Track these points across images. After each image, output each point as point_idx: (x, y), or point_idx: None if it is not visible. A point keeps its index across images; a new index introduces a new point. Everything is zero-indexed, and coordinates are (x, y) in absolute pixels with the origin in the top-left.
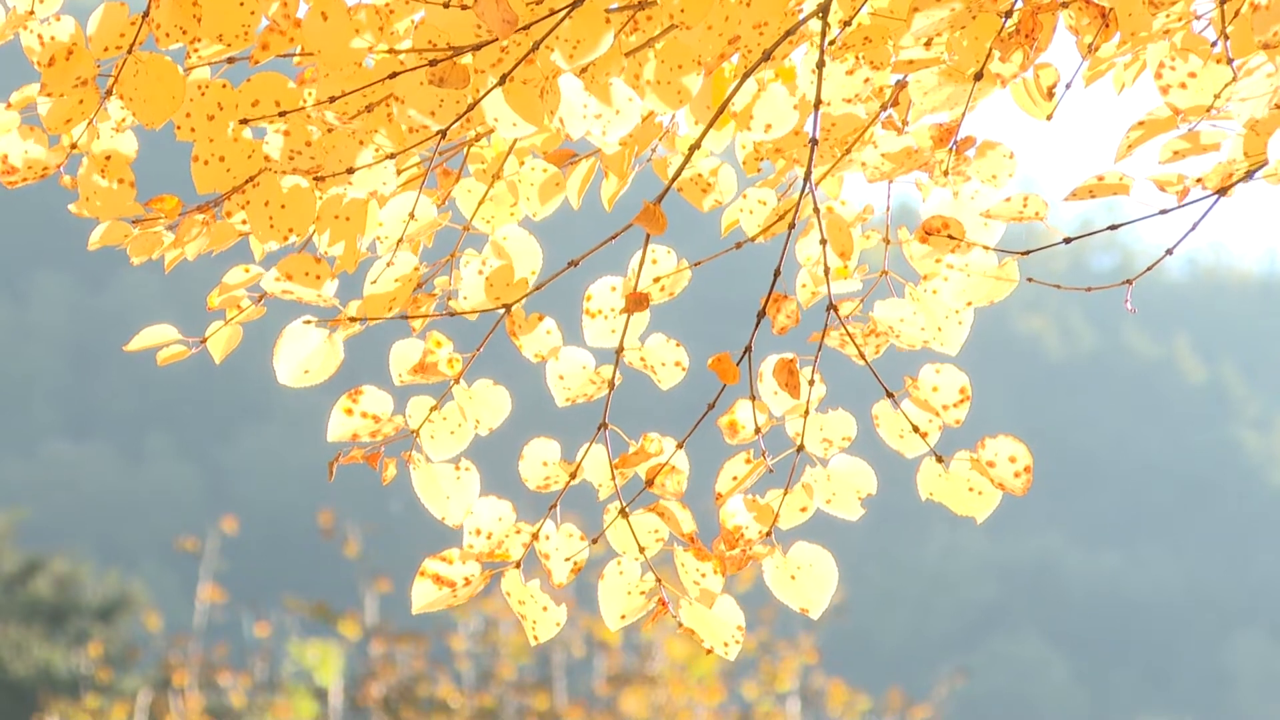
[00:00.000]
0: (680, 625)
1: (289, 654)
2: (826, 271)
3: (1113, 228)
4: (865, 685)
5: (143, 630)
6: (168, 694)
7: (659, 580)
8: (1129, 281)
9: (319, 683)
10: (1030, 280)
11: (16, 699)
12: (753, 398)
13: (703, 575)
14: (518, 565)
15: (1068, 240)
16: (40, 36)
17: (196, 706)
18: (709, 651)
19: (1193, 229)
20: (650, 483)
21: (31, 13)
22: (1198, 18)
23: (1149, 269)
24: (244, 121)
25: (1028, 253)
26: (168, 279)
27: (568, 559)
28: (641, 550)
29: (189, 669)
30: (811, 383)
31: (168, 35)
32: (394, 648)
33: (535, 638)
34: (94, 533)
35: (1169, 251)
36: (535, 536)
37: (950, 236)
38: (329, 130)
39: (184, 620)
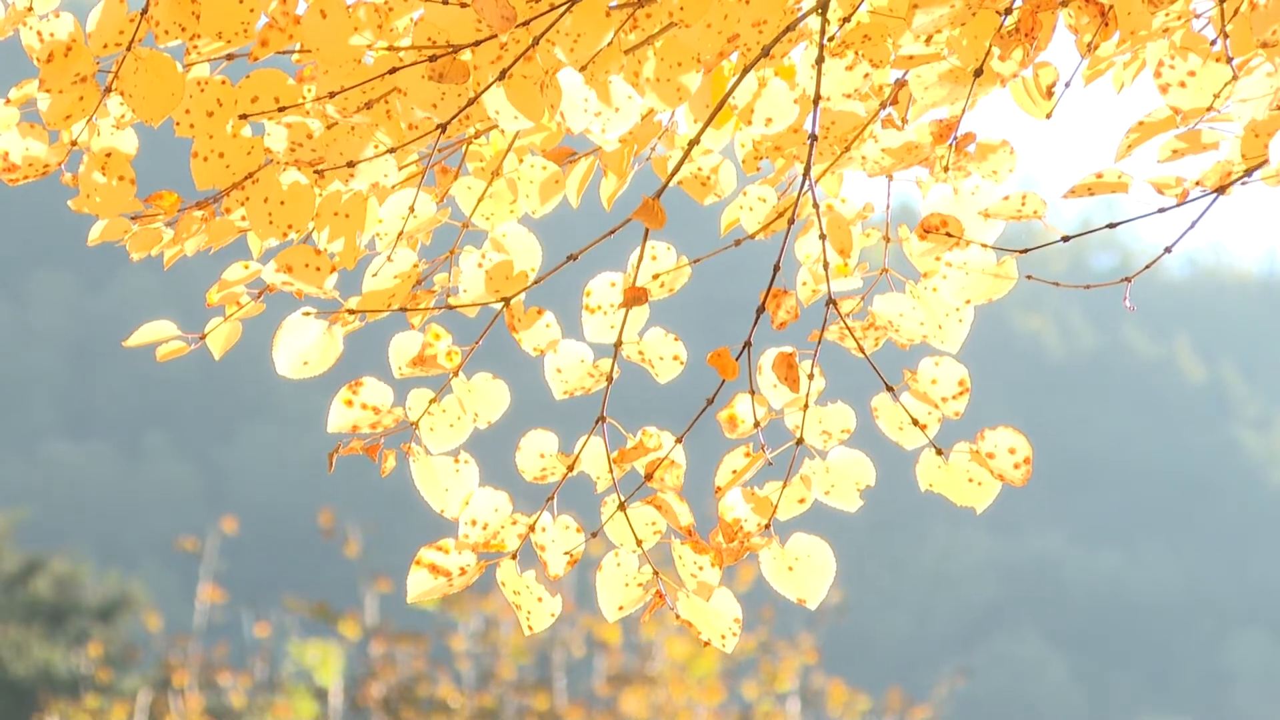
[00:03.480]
0: (677, 617)
1: (289, 654)
2: (826, 269)
3: (1111, 226)
4: (865, 685)
5: (143, 630)
6: (168, 694)
7: (656, 572)
8: (1127, 280)
9: (319, 683)
10: (1029, 278)
11: (16, 699)
12: (752, 391)
13: (700, 568)
14: (514, 556)
15: (1066, 239)
16: (39, 33)
17: (196, 706)
18: (706, 644)
19: (1191, 227)
20: (649, 477)
21: (30, 9)
22: (1197, 16)
23: (1147, 268)
24: (243, 117)
25: (1026, 251)
26: (168, 279)
27: (566, 551)
28: (639, 543)
29: (189, 669)
30: (811, 376)
31: (167, 32)
32: (394, 648)
33: (530, 628)
34: (94, 533)
35: (1167, 250)
36: (531, 528)
37: (949, 234)
38: (330, 125)
39: (184, 620)
